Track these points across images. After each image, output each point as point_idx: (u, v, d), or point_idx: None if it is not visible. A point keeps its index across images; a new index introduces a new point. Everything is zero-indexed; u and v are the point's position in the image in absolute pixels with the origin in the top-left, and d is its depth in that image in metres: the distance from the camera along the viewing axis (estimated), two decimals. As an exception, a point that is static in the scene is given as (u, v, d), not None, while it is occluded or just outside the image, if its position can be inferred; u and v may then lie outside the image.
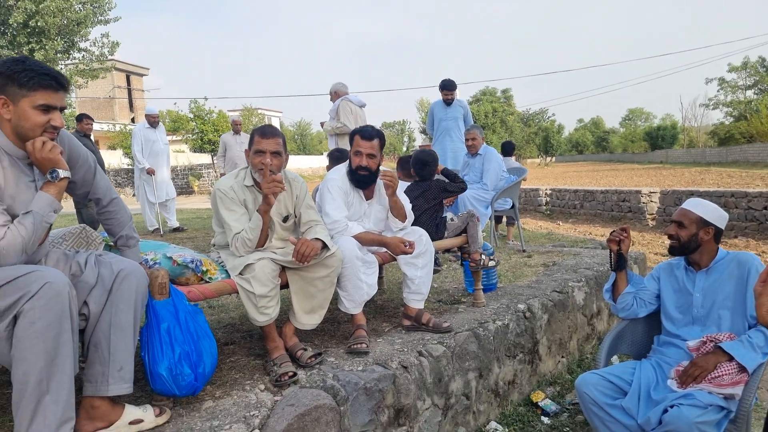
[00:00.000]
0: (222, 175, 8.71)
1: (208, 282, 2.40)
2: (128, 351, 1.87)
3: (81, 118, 7.34)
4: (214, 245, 2.80)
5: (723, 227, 2.38)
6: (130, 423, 1.88)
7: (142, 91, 39.05)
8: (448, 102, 6.63)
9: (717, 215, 2.37)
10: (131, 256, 2.18)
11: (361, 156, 2.98)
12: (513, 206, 5.90)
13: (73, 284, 1.80)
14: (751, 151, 32.70)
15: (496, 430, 3.09)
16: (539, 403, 3.35)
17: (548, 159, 64.25)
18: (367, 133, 3.02)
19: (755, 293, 1.55)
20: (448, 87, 6.56)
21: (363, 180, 3.01)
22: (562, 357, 3.96)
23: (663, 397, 2.19)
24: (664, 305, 2.51)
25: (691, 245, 2.37)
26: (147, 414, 1.92)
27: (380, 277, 4.23)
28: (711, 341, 2.24)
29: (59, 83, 1.82)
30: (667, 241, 2.49)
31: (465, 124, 6.63)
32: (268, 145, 2.58)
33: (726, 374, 2.12)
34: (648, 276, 2.64)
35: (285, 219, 2.75)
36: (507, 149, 7.95)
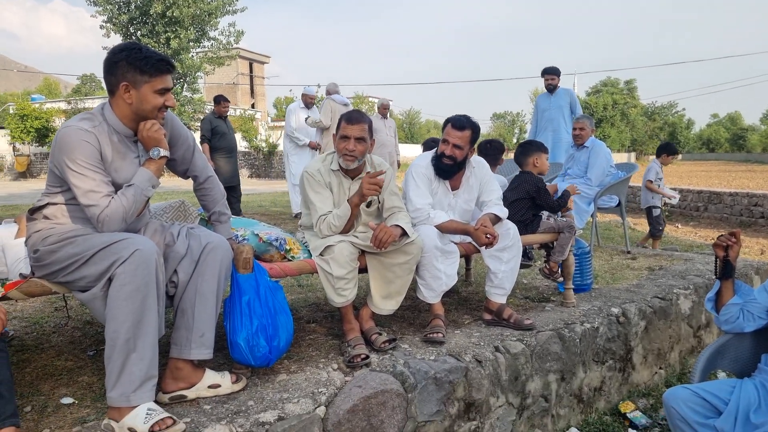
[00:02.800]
0: None
1: (291, 260, 2.51)
2: (210, 319, 2.02)
3: (219, 100, 7.38)
4: (300, 225, 2.93)
5: None
6: (209, 386, 2.03)
7: (263, 78, 41.43)
8: (550, 88, 6.45)
9: None
10: (222, 231, 2.34)
11: (447, 144, 2.93)
12: (619, 204, 5.52)
13: (165, 253, 1.98)
14: None
15: (576, 436, 2.95)
16: (628, 415, 3.14)
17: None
18: (459, 122, 2.95)
19: None
20: (549, 72, 6.39)
21: (445, 169, 2.96)
22: (660, 368, 3.67)
23: (764, 421, 1.96)
24: (775, 322, 2.23)
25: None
26: (224, 380, 2.07)
27: (468, 269, 4.18)
28: (829, 367, 1.96)
29: (172, 67, 2.01)
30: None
31: (573, 113, 6.31)
32: (353, 131, 2.63)
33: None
34: (760, 287, 2.35)
35: (369, 204, 2.80)
36: (664, 150, 6.63)
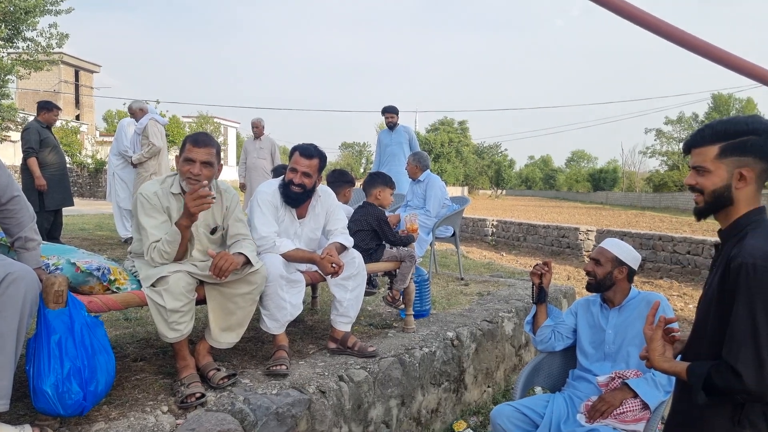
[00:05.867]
0: (242, 185, 8.22)
1: (116, 292, 2.25)
2: (7, 364, 1.72)
3: (50, 107, 6.08)
4: (130, 252, 2.66)
5: (636, 268, 2.46)
6: (3, 443, 1.71)
7: (91, 88, 37.61)
8: (390, 126, 6.88)
9: (631, 256, 2.44)
10: (28, 260, 2.02)
11: (296, 173, 2.91)
12: (454, 234, 5.94)
13: None
14: (681, 198, 35.06)
15: (414, 460, 3.03)
16: (460, 434, 3.32)
17: (499, 191, 65.93)
18: (308, 151, 2.95)
19: (645, 336, 1.59)
20: (389, 110, 6.84)
21: (293, 197, 2.93)
22: (489, 387, 3.96)
23: (571, 431, 2.21)
24: (579, 340, 2.55)
25: (606, 283, 2.43)
26: (24, 434, 1.76)
27: (314, 297, 4.15)
28: (619, 377, 2.28)
29: None
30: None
31: (411, 149, 6.74)
32: (199, 154, 2.47)
33: (630, 410, 2.17)
34: (567, 311, 2.68)
35: (213, 231, 2.64)
36: None
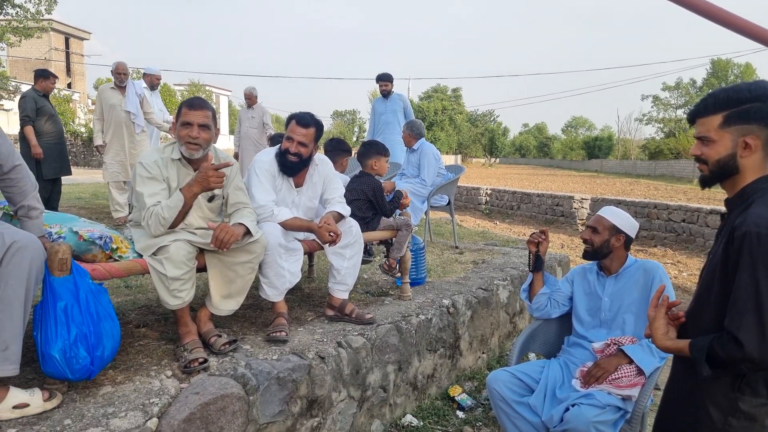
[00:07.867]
0: (236, 154, 8.16)
1: (118, 260, 2.28)
2: (16, 330, 1.74)
3: (47, 74, 5.98)
4: (130, 221, 2.67)
5: (633, 236, 2.49)
6: (14, 407, 1.76)
7: (82, 55, 36.85)
8: (385, 94, 6.86)
9: (628, 224, 2.47)
10: (32, 229, 2.03)
11: (292, 142, 2.90)
12: (449, 203, 5.97)
13: None
14: (677, 166, 35.08)
15: (411, 423, 3.12)
16: (456, 398, 3.41)
17: (492, 160, 65.73)
18: (304, 120, 2.93)
19: (648, 317, 1.58)
20: (383, 78, 6.81)
21: (290, 166, 2.93)
22: (483, 353, 4.05)
23: (566, 396, 2.28)
24: (575, 307, 2.61)
25: (603, 251, 2.46)
26: (34, 398, 1.81)
27: (311, 266, 4.19)
28: (614, 344, 2.34)
29: None
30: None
31: (406, 117, 6.71)
32: (196, 117, 2.47)
33: (625, 376, 2.22)
34: (563, 278, 2.73)
35: (211, 199, 2.65)
36: None
